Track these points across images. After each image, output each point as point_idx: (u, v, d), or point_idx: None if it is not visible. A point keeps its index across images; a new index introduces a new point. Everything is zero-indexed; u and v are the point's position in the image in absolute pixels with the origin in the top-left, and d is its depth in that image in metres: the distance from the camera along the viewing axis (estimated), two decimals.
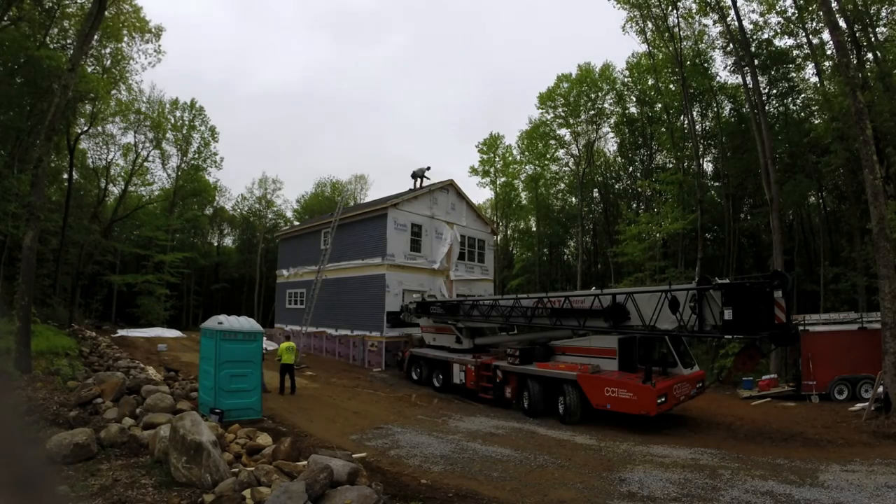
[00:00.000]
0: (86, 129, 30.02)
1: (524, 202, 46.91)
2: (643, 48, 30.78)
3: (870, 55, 20.04)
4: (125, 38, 26.80)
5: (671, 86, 29.86)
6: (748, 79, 22.41)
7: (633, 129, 36.67)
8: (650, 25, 28.03)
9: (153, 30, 27.71)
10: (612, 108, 37.59)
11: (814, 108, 24.94)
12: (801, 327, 15.15)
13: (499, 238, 42.24)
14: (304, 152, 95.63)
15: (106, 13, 19.46)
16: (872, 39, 19.60)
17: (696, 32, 26.93)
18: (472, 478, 6.80)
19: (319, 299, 21.49)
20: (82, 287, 33.07)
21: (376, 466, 7.06)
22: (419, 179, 23.71)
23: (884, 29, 20.06)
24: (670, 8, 26.13)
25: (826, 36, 20.49)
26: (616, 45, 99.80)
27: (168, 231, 40.63)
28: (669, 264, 27.15)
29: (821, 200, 26.72)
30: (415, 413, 11.51)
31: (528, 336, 14.21)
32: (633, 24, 28.32)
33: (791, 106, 26.24)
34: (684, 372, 11.49)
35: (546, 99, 38.78)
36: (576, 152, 40.04)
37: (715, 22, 25.14)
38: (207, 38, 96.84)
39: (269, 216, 53.59)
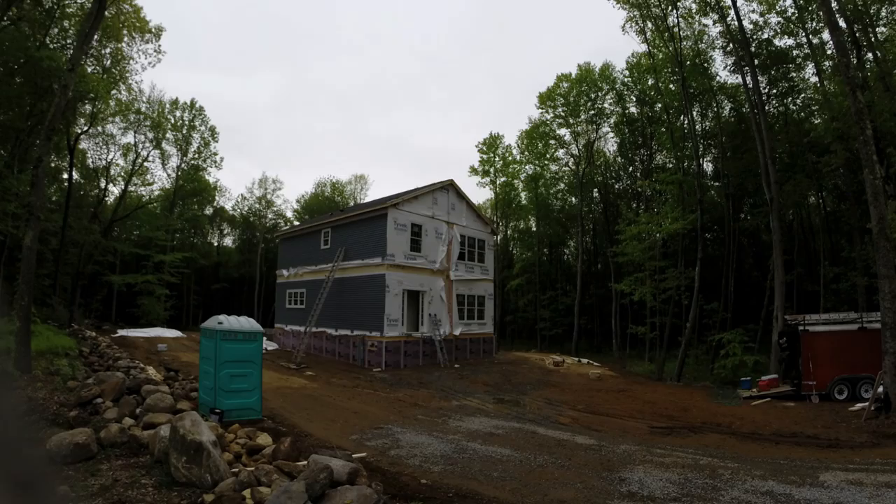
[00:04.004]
0: (86, 129, 30.00)
1: (524, 202, 46.92)
2: (643, 48, 30.80)
3: (870, 55, 20.04)
4: (125, 38, 26.79)
5: (671, 86, 29.85)
6: (748, 79, 22.41)
7: (633, 129, 36.70)
8: (650, 25, 28.02)
9: (153, 30, 27.70)
10: (611, 108, 37.66)
11: (814, 108, 24.95)
12: (801, 327, 15.16)
13: (499, 238, 42.24)
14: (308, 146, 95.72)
15: (106, 13, 19.45)
16: (872, 39, 19.59)
17: (696, 32, 26.93)
18: (472, 478, 6.80)
19: (320, 299, 21.49)
20: (82, 287, 33.04)
21: (376, 466, 7.06)
22: None
23: (884, 29, 20.07)
24: (670, 8, 26.11)
25: (826, 36, 20.51)
26: (616, 44, 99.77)
27: (168, 231, 40.62)
28: (669, 264, 27.17)
29: (821, 200, 26.74)
30: (415, 413, 11.50)
31: None
32: (633, 24, 28.32)
33: (791, 106, 26.25)
34: None
35: (546, 99, 38.81)
36: (576, 152, 40.09)
37: (715, 22, 25.17)
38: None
39: (269, 216, 53.64)
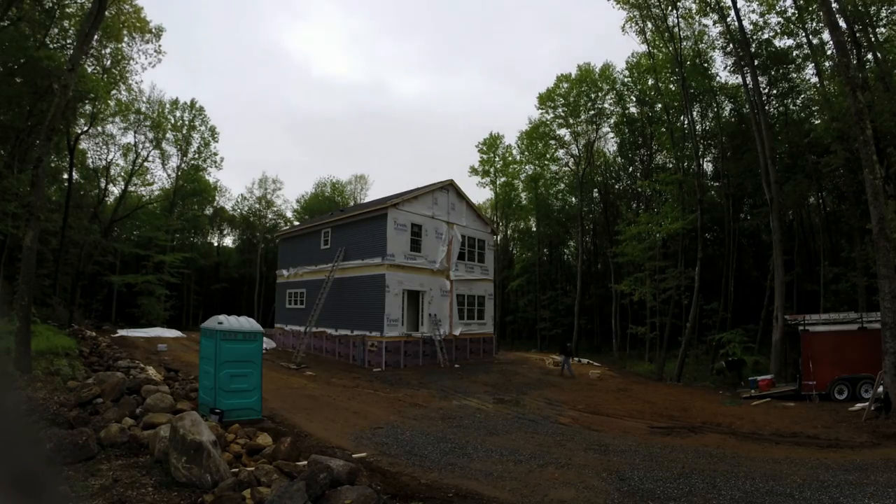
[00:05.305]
0: (86, 129, 29.98)
1: (524, 202, 46.94)
2: (643, 48, 30.79)
3: (870, 55, 20.03)
4: (125, 39, 26.77)
5: (671, 86, 29.85)
6: (748, 79, 22.41)
7: (633, 129, 36.69)
8: (650, 26, 28.01)
9: (153, 30, 27.70)
10: (612, 109, 37.66)
11: (814, 109, 24.93)
12: (800, 327, 15.16)
13: (499, 238, 42.25)
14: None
15: (106, 13, 19.45)
16: (872, 39, 19.58)
17: (696, 32, 26.93)
18: (472, 478, 6.80)
19: (320, 299, 21.49)
20: (82, 287, 33.04)
21: (376, 466, 7.06)
22: None
23: (884, 29, 20.05)
24: (670, 8, 26.10)
25: (826, 36, 20.50)
26: (616, 45, 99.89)
27: (168, 231, 40.60)
28: (669, 264, 27.17)
29: (821, 200, 26.73)
30: (415, 413, 11.50)
31: None
32: (633, 25, 28.29)
33: (791, 106, 26.24)
34: None
35: (546, 99, 38.82)
36: (576, 152, 40.09)
37: (715, 22, 25.16)
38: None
39: (269, 216, 53.64)
